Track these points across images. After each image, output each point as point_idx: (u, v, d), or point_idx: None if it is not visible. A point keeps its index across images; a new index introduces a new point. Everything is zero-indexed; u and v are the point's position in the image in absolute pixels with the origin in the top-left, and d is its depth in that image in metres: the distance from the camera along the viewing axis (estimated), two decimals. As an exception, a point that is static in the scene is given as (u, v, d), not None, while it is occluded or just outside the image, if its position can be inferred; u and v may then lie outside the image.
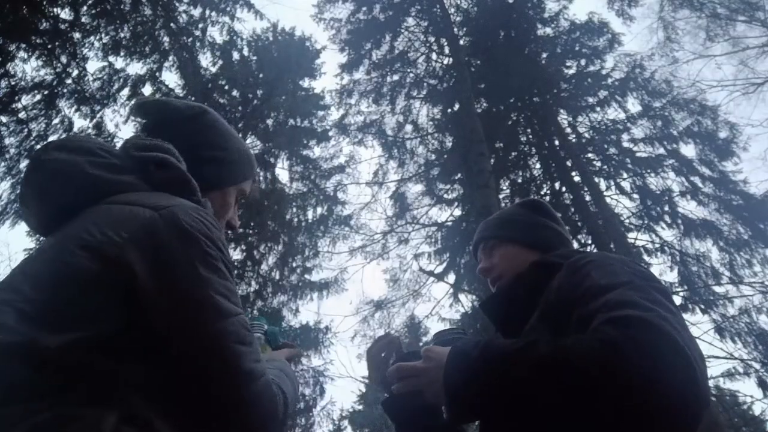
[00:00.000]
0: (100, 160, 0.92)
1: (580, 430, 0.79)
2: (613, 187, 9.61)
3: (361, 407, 18.04)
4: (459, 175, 10.52)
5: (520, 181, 10.36)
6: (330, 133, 12.66)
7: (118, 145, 1.06)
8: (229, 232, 1.22)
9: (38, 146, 8.86)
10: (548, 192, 9.88)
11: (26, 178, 0.94)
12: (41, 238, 0.97)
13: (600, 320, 0.83)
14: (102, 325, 0.74)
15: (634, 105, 10.36)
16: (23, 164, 8.79)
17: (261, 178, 11.92)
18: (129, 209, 0.84)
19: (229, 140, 1.16)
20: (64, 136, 9.12)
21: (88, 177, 0.90)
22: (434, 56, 12.00)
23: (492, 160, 9.09)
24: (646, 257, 8.93)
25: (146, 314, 0.76)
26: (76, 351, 0.71)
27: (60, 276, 0.78)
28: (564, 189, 9.66)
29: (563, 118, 10.64)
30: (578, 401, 0.76)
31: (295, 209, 12.09)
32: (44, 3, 8.06)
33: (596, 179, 9.47)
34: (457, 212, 10.65)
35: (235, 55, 12.50)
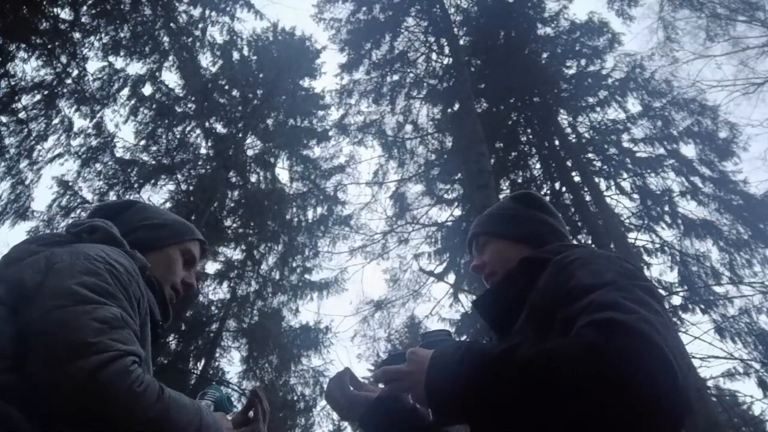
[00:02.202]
0: (46, 240, 1.11)
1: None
2: (613, 187, 9.61)
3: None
4: (459, 175, 10.51)
5: (520, 181, 10.35)
6: (330, 133, 12.67)
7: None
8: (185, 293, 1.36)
9: (38, 146, 8.87)
10: (548, 192, 9.87)
11: None
12: None
13: (582, 323, 0.82)
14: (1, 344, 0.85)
15: (634, 105, 10.37)
16: (23, 164, 8.79)
17: (261, 178, 11.93)
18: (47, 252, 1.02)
19: (163, 214, 1.38)
20: (63, 136, 9.14)
21: (33, 252, 1.06)
22: (434, 56, 12.00)
23: (492, 160, 9.08)
24: (646, 257, 8.92)
25: (24, 317, 0.87)
26: None
27: None
28: (564, 189, 9.66)
29: (563, 118, 10.64)
30: (559, 405, 0.75)
31: (295, 209, 12.09)
32: (44, 3, 8.06)
33: (596, 179, 9.47)
34: (457, 212, 10.65)
35: (235, 55, 12.52)
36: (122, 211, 1.32)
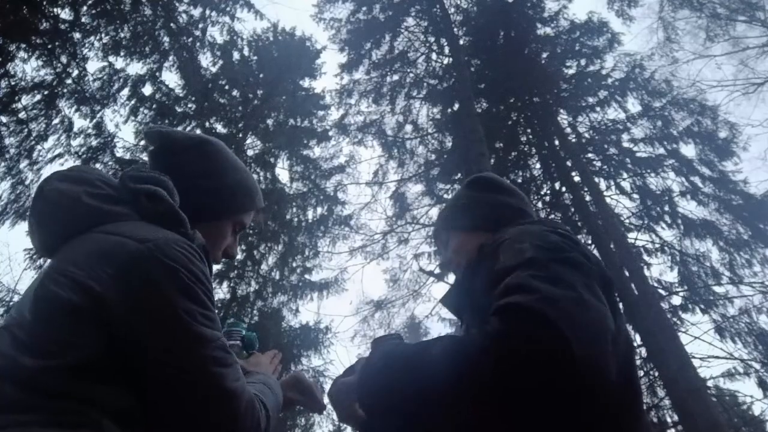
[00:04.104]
0: (97, 191, 0.98)
1: (480, 425, 0.78)
2: (613, 187, 9.62)
3: (361, 407, 18.04)
4: (459, 175, 10.51)
5: (520, 181, 10.35)
6: (330, 133, 12.66)
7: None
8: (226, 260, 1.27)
9: (38, 146, 8.86)
10: (548, 192, 9.88)
11: (32, 206, 1.02)
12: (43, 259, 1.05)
13: (491, 310, 0.83)
14: (81, 352, 0.78)
15: (634, 105, 10.38)
16: (23, 164, 8.79)
17: (261, 178, 11.92)
18: (116, 240, 0.88)
19: (229, 172, 1.17)
20: (63, 136, 9.14)
21: (83, 206, 0.95)
22: (434, 56, 12.01)
23: (492, 160, 9.08)
24: (646, 257, 8.93)
25: (126, 345, 0.80)
26: (53, 374, 0.75)
27: (46, 304, 0.83)
28: (564, 189, 9.65)
29: (563, 118, 10.64)
30: (468, 398, 0.76)
31: (295, 209, 12.08)
32: (44, 3, 8.06)
33: (596, 179, 9.47)
34: (457, 212, 10.63)
35: (235, 55, 12.51)
36: (186, 152, 1.13)
